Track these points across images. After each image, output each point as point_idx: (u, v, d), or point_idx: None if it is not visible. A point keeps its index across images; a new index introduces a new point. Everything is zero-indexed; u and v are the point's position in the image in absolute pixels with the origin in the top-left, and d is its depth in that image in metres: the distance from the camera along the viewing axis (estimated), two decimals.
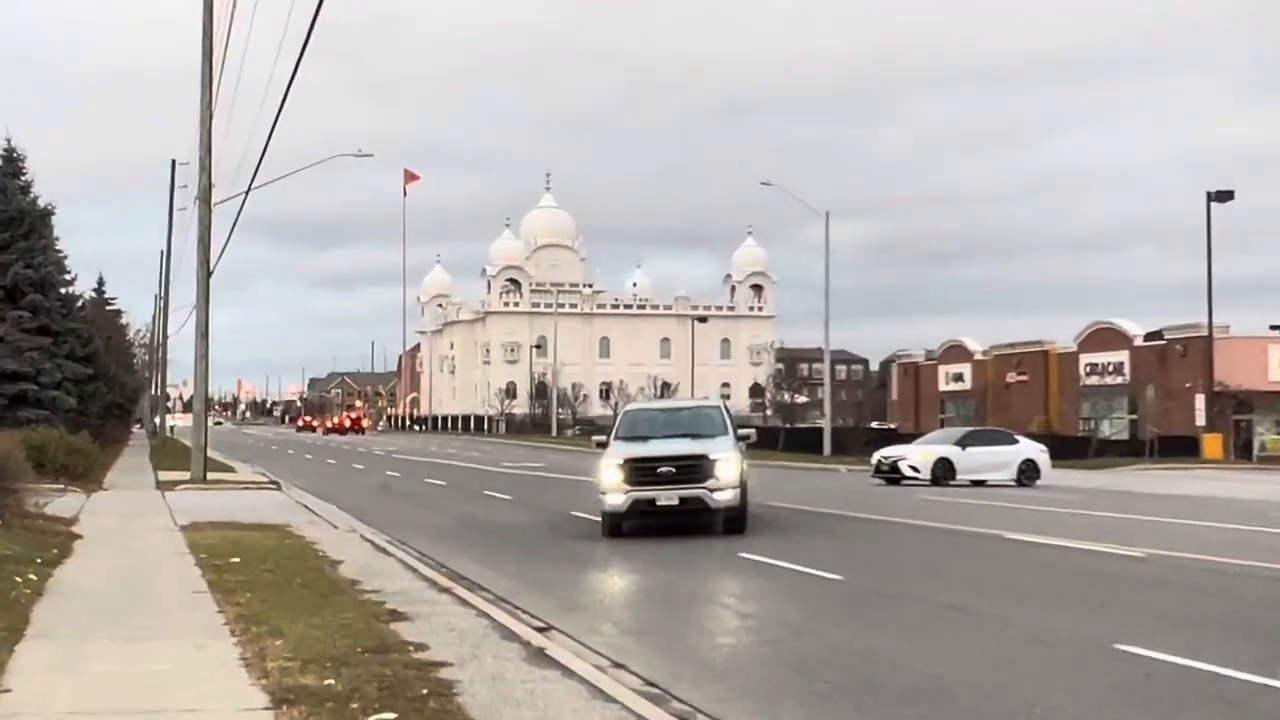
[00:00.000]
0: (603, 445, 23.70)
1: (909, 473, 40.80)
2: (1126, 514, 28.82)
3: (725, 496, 21.74)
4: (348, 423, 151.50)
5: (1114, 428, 64.83)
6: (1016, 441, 42.28)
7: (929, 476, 40.07)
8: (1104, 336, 69.61)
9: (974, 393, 74.90)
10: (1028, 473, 40.33)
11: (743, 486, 22.24)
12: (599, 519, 23.59)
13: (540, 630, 13.10)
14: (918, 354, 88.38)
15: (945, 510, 29.55)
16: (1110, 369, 67.57)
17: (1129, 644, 11.66)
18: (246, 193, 40.18)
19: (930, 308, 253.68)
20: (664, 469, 21.83)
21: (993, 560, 19.51)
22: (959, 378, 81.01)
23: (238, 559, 17.96)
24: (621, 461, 22.12)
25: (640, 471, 21.86)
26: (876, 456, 43.23)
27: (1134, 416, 65.82)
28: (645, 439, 23.05)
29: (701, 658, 11.89)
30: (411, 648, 11.42)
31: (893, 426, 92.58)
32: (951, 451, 40.85)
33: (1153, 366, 62.81)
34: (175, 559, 18.49)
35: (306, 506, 31.23)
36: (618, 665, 11.26)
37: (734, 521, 22.02)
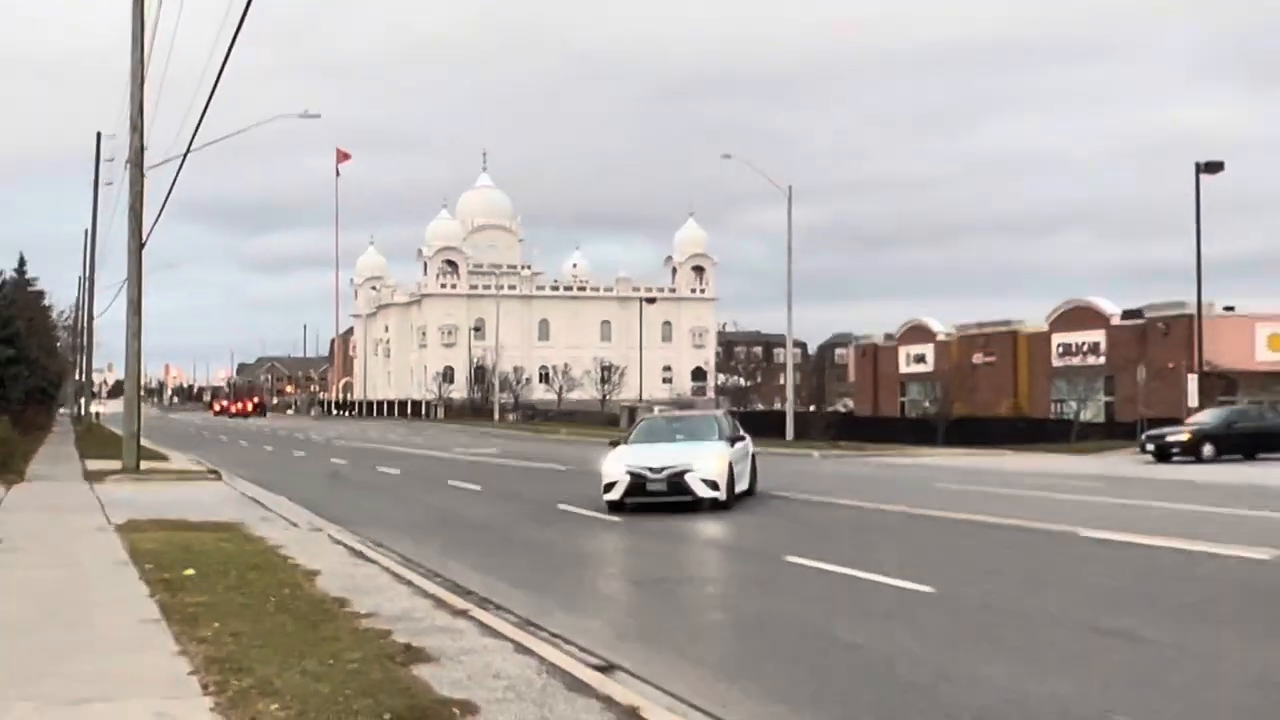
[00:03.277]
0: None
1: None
2: (1216, 506, 25.95)
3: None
4: (250, 406, 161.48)
5: (1092, 409, 62.32)
6: None
7: None
8: (1078, 315, 67.06)
9: (937, 374, 72.11)
10: None
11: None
12: (590, 513, 23.88)
13: (602, 669, 10.05)
14: (875, 335, 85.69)
15: (982, 500, 26.68)
16: (1086, 349, 65.07)
17: None
18: (184, 155, 36.52)
19: (868, 291, 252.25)
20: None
21: (1089, 564, 16.57)
22: (921, 359, 78.30)
23: (192, 570, 14.71)
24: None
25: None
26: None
27: (1110, 398, 63.42)
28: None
29: (851, 715, 8.82)
30: (456, 710, 8.30)
31: (849, 409, 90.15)
32: None
33: (1131, 346, 60.26)
34: (115, 571, 15.16)
35: (256, 500, 27.93)
36: None
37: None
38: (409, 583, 14.76)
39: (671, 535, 20.85)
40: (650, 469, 23.79)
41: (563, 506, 25.69)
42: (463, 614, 12.52)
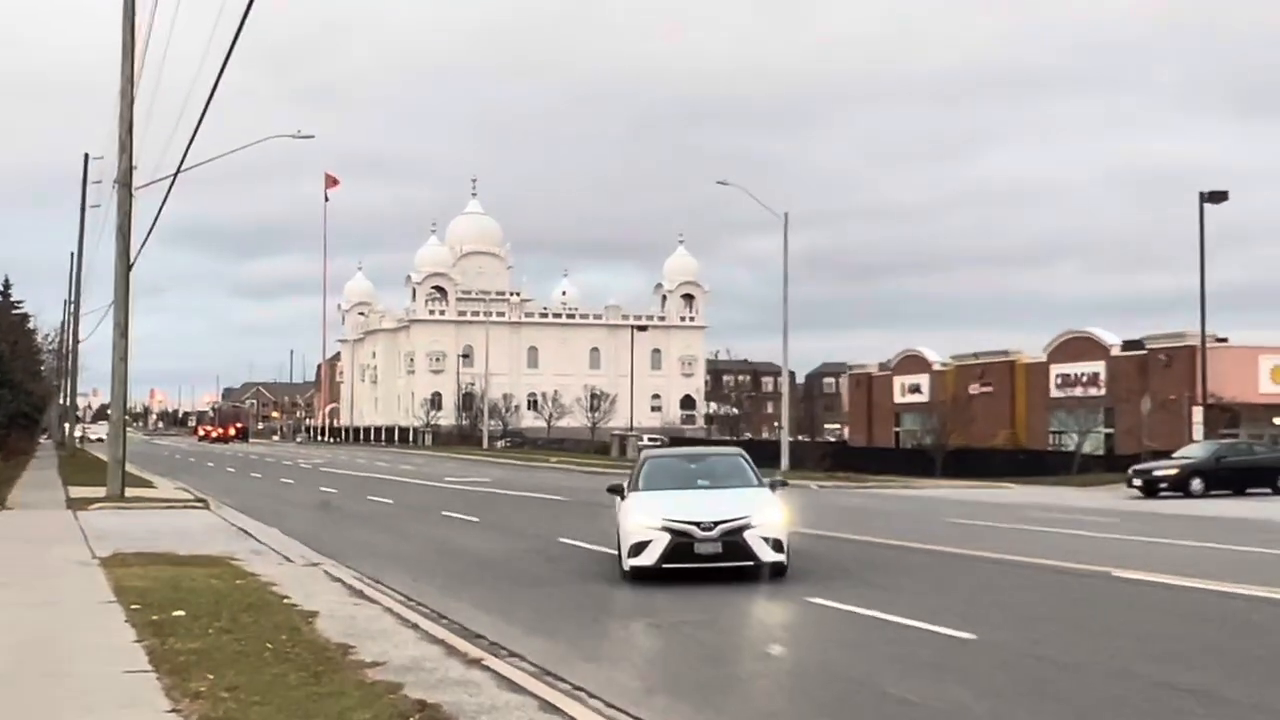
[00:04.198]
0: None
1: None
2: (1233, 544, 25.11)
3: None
4: (232, 431, 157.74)
5: (1092, 442, 61.37)
6: None
7: None
8: (1077, 346, 66.27)
9: (933, 405, 71.27)
10: None
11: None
12: (594, 547, 22.19)
13: None
14: (869, 365, 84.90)
15: (998, 536, 25.79)
16: (1085, 380, 64.28)
17: None
18: (174, 175, 35.65)
19: (855, 321, 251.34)
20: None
21: (1134, 608, 15.68)
22: (916, 389, 77.48)
23: (182, 611, 13.75)
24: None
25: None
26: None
27: (1110, 430, 62.56)
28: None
29: None
30: None
31: (844, 439, 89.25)
32: None
33: (1132, 378, 59.49)
34: (99, 612, 14.18)
35: (245, 531, 26.91)
36: None
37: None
38: (414, 626, 13.82)
39: (681, 574, 19.93)
40: (697, 524, 17.82)
41: (565, 540, 24.75)
42: (477, 663, 11.59)
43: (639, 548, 18.02)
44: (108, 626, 13.02)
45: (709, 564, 17.81)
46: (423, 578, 18.97)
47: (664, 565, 17.83)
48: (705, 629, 14.43)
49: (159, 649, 11.50)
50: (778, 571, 17.97)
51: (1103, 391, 62.86)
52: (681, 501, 18.45)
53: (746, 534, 17.78)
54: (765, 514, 18.16)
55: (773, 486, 19.62)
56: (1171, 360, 58.21)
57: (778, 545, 17.99)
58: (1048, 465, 56.38)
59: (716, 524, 17.77)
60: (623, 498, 19.39)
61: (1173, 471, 42.72)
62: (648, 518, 18.16)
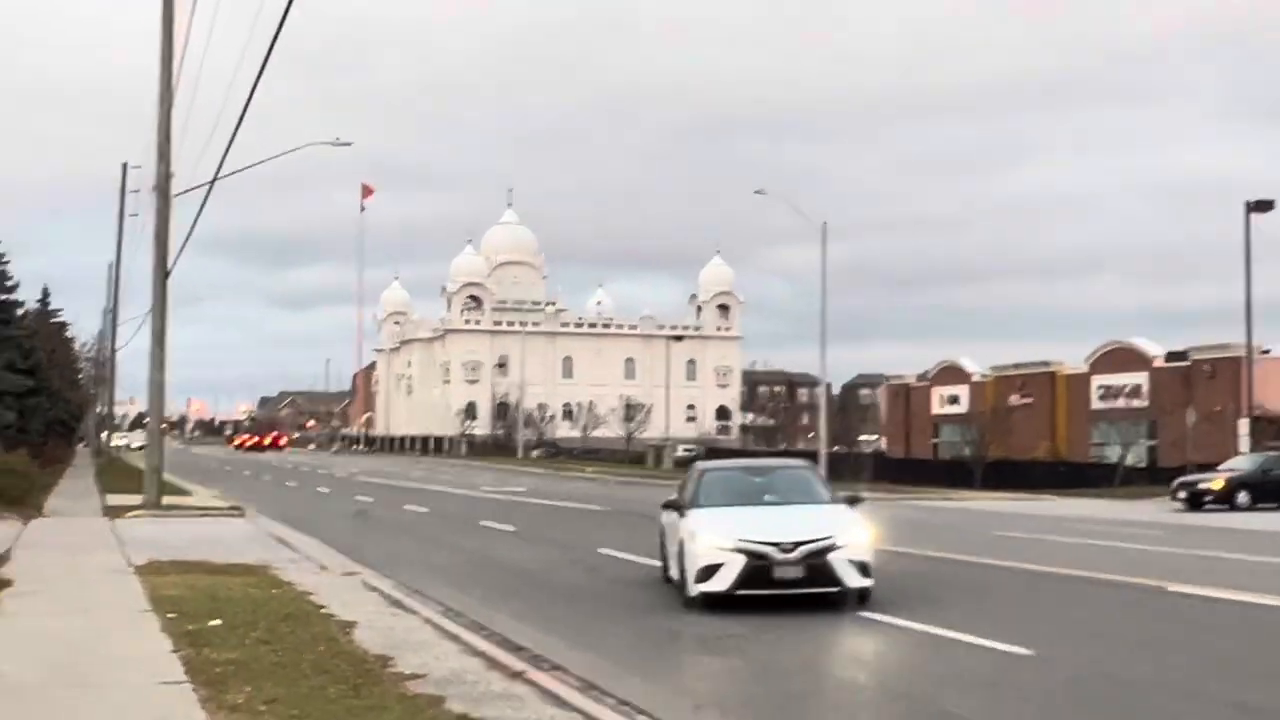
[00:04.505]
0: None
1: None
2: None
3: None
4: (268, 440, 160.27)
5: (1134, 454, 60.62)
6: None
7: None
8: (1119, 357, 65.52)
9: (972, 416, 70.63)
10: None
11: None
12: (635, 559, 21.95)
13: None
14: (907, 375, 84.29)
15: (1048, 549, 25.32)
16: (1127, 391, 63.52)
17: None
18: (212, 182, 35.52)
19: (890, 332, 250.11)
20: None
21: (1195, 624, 15.23)
22: (955, 400, 76.85)
23: (218, 620, 13.47)
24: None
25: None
26: None
27: (1153, 443, 61.78)
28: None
29: None
30: None
31: (881, 451, 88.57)
32: None
33: (1176, 389, 58.76)
34: (135, 621, 13.92)
35: (282, 540, 26.66)
36: None
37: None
38: (455, 637, 13.49)
39: (756, 600, 19.57)
40: (776, 545, 15.85)
41: (605, 551, 24.41)
42: (519, 676, 11.25)
43: (709, 571, 15.94)
44: (143, 637, 12.75)
45: (789, 590, 15.88)
46: (462, 588, 18.65)
47: (738, 591, 15.84)
48: (754, 643, 14.05)
49: (195, 659, 11.22)
50: (862, 598, 16.00)
51: (1145, 403, 62.13)
52: (755, 520, 16.41)
53: (831, 556, 15.82)
54: (851, 534, 16.16)
55: (850, 502, 17.59)
56: (1216, 372, 57.50)
57: (864, 569, 16.00)
58: (1089, 478, 55.69)
59: (797, 545, 15.79)
60: (681, 514, 17.17)
61: (1218, 484, 42.03)
62: (719, 538, 16.00)
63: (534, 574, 21.23)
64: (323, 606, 15.28)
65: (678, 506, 17.66)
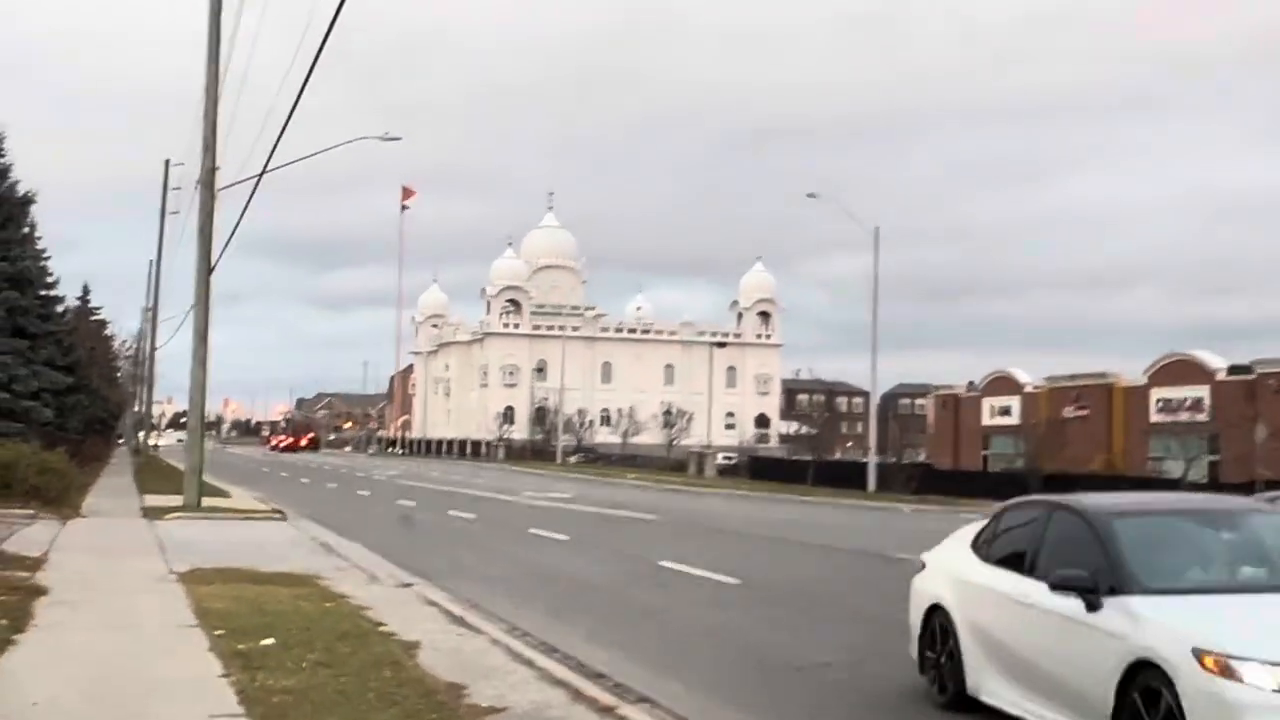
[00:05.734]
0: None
1: None
2: None
3: None
4: (303, 441, 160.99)
5: (1196, 470, 58.96)
6: None
7: None
8: (1179, 369, 63.85)
9: (1024, 428, 69.02)
10: None
11: None
12: (700, 573, 20.84)
13: None
14: (956, 385, 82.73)
15: None
16: (1188, 405, 61.82)
17: None
18: (259, 176, 34.48)
19: (932, 341, 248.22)
20: None
21: None
22: (1006, 411, 75.24)
23: (271, 640, 12.30)
24: None
25: None
26: None
27: (1215, 458, 60.06)
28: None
29: None
30: None
31: (928, 462, 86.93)
32: None
33: (1240, 403, 57.14)
34: (180, 637, 12.76)
35: (327, 545, 25.57)
36: None
37: None
38: (528, 662, 12.29)
39: (804, 598, 18.37)
40: None
41: (666, 564, 23.21)
42: (610, 712, 10.07)
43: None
44: (190, 656, 11.59)
45: None
46: (524, 603, 17.47)
47: None
48: (854, 670, 12.81)
49: (249, 686, 10.05)
50: None
51: (1207, 417, 60.39)
52: None
53: None
54: None
55: None
56: None
57: None
58: None
59: None
60: (1092, 603, 9.02)
61: None
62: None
63: (598, 588, 20.03)
64: (381, 624, 14.11)
65: (1080, 589, 9.15)
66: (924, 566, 11.91)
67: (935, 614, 11.15)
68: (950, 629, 10.83)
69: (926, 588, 11.53)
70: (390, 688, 10.30)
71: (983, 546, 11.05)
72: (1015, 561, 10.31)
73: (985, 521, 11.41)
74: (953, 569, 11.22)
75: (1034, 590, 9.63)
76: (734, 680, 12.49)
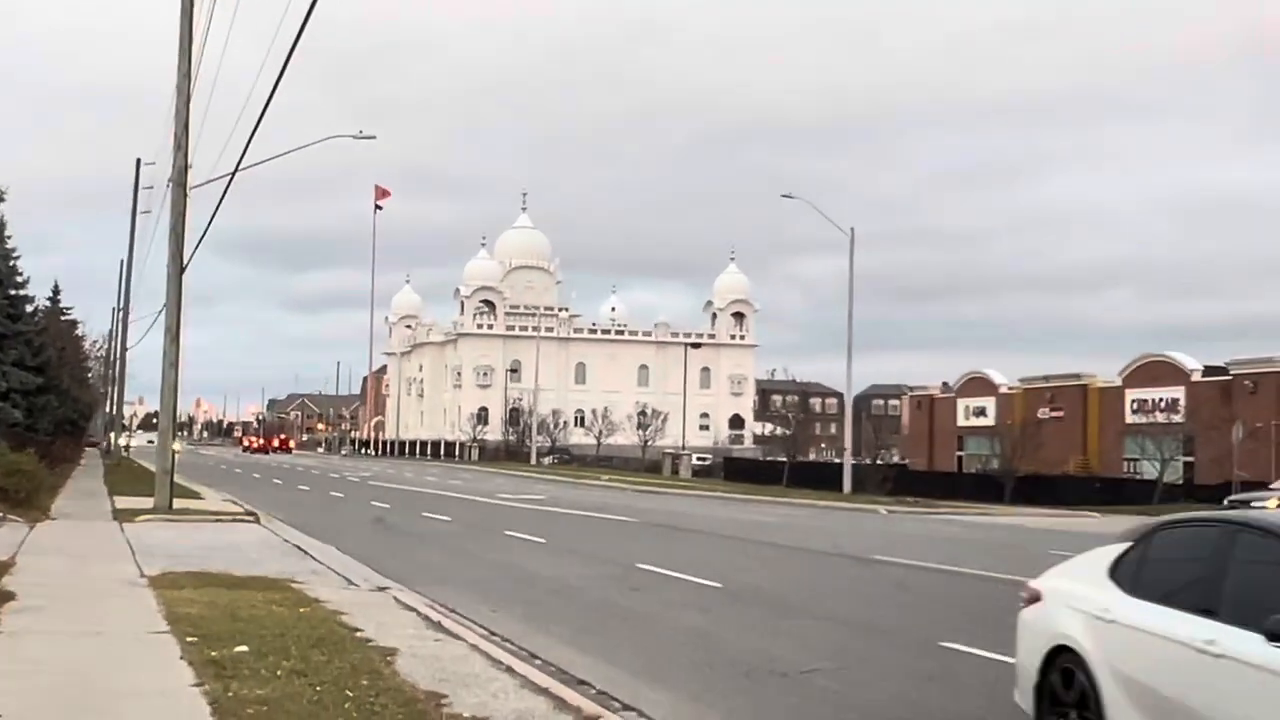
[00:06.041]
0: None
1: None
2: None
3: None
4: (276, 443, 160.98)
5: (1171, 471, 58.95)
6: None
7: None
8: (1155, 370, 63.87)
9: (999, 429, 68.94)
10: None
11: None
12: (679, 575, 20.40)
13: None
14: (931, 386, 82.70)
15: None
16: (1164, 406, 61.80)
17: None
18: (231, 175, 34.10)
19: (905, 343, 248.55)
20: None
21: None
22: (981, 412, 75.22)
23: (244, 647, 11.97)
24: None
25: None
26: None
27: (1190, 459, 60.06)
28: None
29: None
30: None
31: (903, 462, 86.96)
32: None
33: (1215, 404, 57.13)
34: (150, 645, 12.42)
35: (301, 548, 25.25)
36: None
37: None
38: (509, 669, 12.01)
39: (786, 602, 18.15)
40: None
41: (644, 567, 22.97)
42: None
43: None
44: (160, 665, 11.26)
45: None
46: (501, 606, 17.20)
47: None
48: (834, 678, 12.57)
49: (223, 696, 9.73)
50: None
51: (1182, 418, 60.39)
52: None
53: None
54: None
55: None
56: (1258, 386, 55.85)
57: None
58: (1126, 494, 54.09)
59: None
60: None
61: (1273, 503, 40.47)
62: None
63: (575, 591, 19.74)
64: (357, 629, 13.81)
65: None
66: (1038, 597, 9.63)
67: (1062, 657, 8.85)
68: (1088, 679, 8.46)
69: (1048, 625, 9.17)
70: (368, 697, 10.00)
71: (1128, 577, 8.72)
72: (1184, 598, 8.01)
73: (1126, 545, 9.09)
74: (1086, 603, 8.85)
75: (1227, 638, 7.30)
76: (719, 687, 12.21)
